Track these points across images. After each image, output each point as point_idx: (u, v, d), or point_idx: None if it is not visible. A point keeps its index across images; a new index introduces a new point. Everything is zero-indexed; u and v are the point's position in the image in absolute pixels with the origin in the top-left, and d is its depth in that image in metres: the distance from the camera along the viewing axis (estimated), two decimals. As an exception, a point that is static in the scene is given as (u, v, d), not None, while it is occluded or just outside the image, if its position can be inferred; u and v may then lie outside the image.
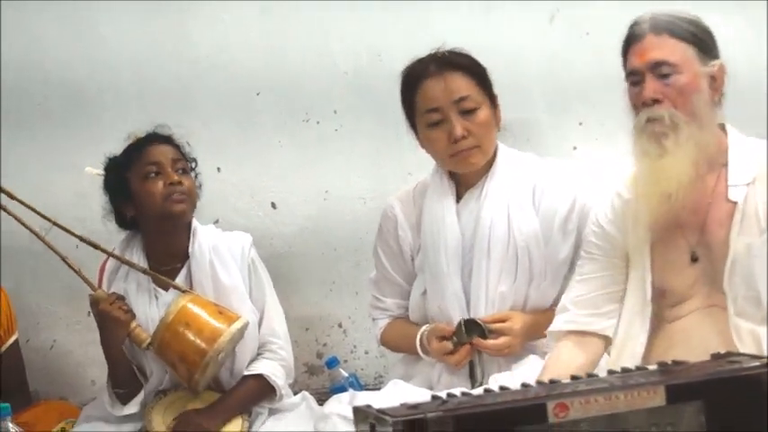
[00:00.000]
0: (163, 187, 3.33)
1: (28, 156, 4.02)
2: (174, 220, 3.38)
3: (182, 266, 3.43)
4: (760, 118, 3.80)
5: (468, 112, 3.16)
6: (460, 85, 3.17)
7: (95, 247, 3.39)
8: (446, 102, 3.17)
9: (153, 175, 3.35)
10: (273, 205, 4.14)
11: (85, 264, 3.48)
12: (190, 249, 3.42)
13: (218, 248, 3.44)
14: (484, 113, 3.17)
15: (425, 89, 3.20)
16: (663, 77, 2.66)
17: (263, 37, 4.10)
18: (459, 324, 3.14)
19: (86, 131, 4.01)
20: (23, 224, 3.35)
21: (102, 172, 3.46)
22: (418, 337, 3.24)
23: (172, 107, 4.02)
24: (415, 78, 3.23)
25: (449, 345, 3.15)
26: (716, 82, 2.70)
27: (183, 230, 3.44)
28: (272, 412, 3.44)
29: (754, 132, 2.81)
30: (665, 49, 2.66)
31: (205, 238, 3.44)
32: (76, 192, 3.96)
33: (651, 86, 2.66)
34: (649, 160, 2.68)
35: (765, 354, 2.45)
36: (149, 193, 3.34)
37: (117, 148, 3.47)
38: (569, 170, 3.29)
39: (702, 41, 2.70)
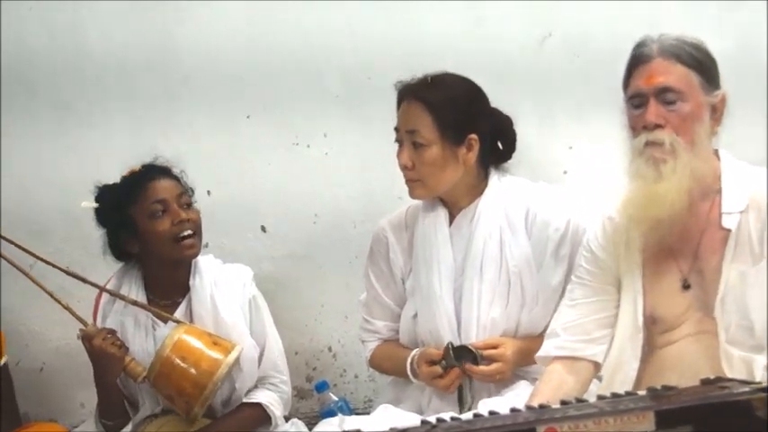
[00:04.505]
0: (171, 226, 3.30)
1: (13, 150, 4.04)
2: (185, 263, 3.37)
3: (182, 300, 3.40)
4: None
5: (418, 146, 3.15)
6: (415, 118, 3.15)
7: (83, 281, 3.36)
8: (402, 129, 3.19)
9: (160, 213, 3.31)
10: (263, 228, 4.14)
11: (77, 290, 3.46)
12: (191, 282, 3.39)
13: (219, 283, 3.41)
14: (432, 152, 3.14)
15: (400, 110, 3.22)
16: (667, 104, 2.65)
17: (254, 57, 4.10)
18: (447, 347, 3.13)
19: (73, 134, 4.06)
20: (9, 261, 3.34)
21: (96, 204, 3.41)
22: (409, 360, 3.23)
23: (160, 120, 4.04)
24: (398, 96, 3.24)
25: (438, 369, 3.14)
26: (716, 113, 2.70)
27: (184, 264, 3.40)
28: (262, 439, 3.43)
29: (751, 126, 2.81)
30: (672, 74, 2.65)
31: (206, 272, 3.41)
32: (61, 186, 3.98)
33: (655, 110, 2.64)
34: (644, 184, 2.66)
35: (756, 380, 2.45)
36: (158, 233, 3.30)
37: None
38: (562, 195, 3.27)
39: (707, 70, 2.69)
